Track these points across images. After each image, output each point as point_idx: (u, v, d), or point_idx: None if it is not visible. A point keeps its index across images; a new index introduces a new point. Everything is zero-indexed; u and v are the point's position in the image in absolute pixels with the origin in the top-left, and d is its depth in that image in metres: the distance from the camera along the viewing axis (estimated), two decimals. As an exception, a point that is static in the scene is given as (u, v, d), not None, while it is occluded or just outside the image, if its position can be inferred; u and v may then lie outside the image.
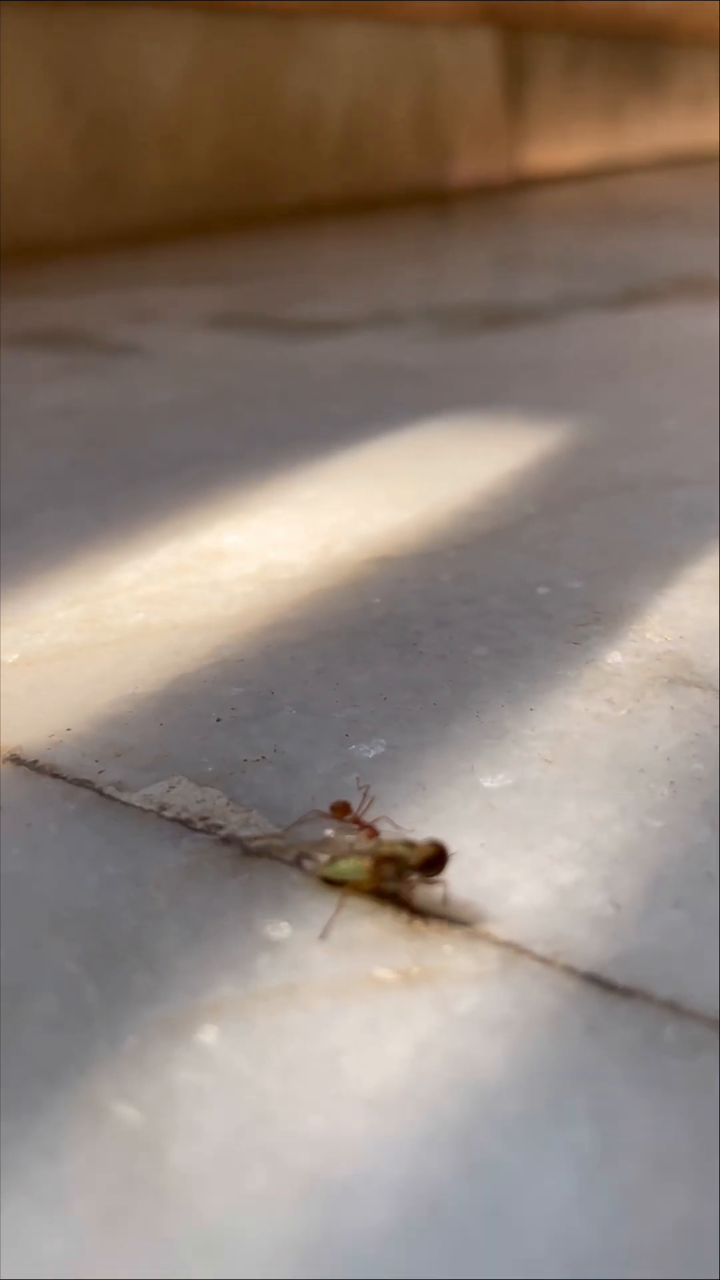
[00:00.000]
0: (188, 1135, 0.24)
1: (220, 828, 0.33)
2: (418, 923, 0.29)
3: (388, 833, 0.32)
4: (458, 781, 0.35)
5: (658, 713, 0.39)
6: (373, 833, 0.32)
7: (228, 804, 0.34)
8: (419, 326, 1.09)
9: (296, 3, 1.98)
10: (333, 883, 0.30)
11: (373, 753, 0.37)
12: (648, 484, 0.62)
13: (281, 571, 0.52)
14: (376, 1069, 0.25)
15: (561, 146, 2.78)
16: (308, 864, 0.32)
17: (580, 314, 1.12)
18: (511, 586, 0.49)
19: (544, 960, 0.28)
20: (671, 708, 0.39)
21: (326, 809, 0.34)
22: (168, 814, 0.34)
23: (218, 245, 1.74)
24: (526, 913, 0.29)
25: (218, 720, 0.39)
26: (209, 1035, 0.26)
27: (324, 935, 0.29)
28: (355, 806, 0.33)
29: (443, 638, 0.45)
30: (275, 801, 0.35)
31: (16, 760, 0.37)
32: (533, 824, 0.33)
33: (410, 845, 0.29)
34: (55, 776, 0.36)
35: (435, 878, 0.30)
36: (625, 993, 0.27)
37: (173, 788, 0.35)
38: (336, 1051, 0.25)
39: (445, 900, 0.30)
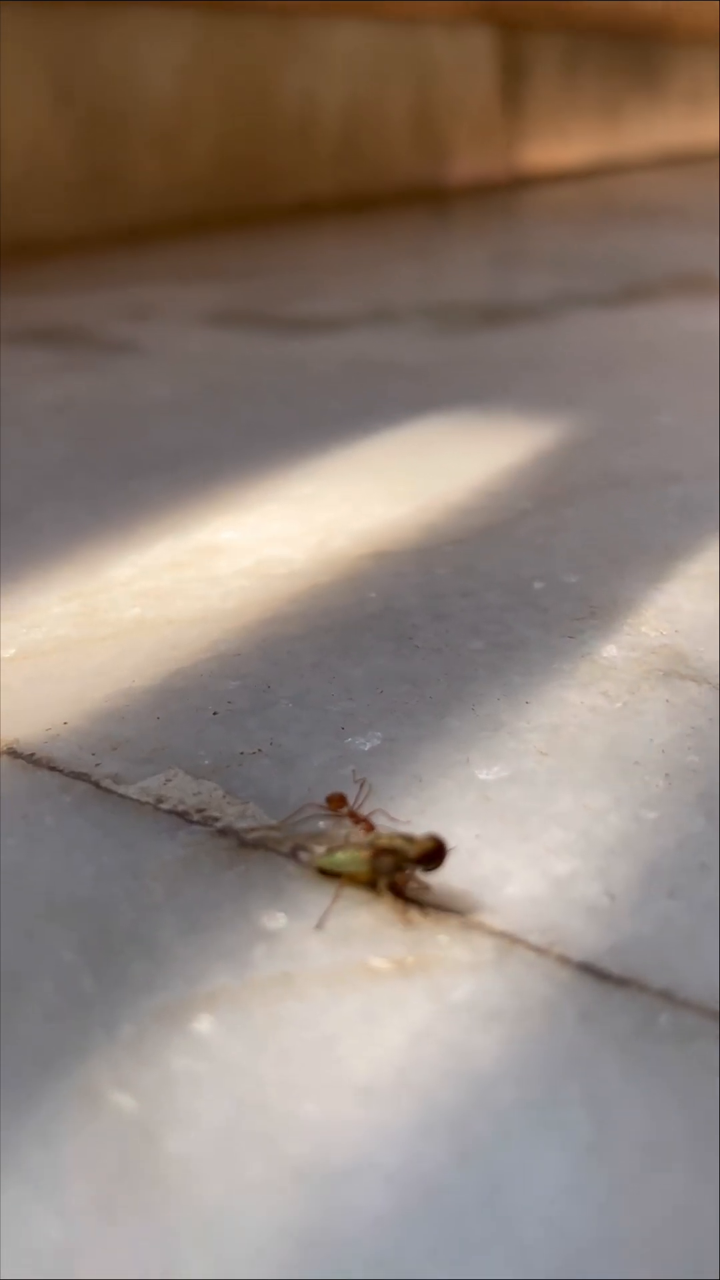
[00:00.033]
0: (184, 1122, 0.24)
1: (217, 820, 0.33)
2: (414, 913, 0.29)
3: (383, 825, 0.32)
4: (454, 773, 0.35)
5: (653, 706, 0.39)
6: (369, 826, 0.32)
7: (224, 796, 0.35)
8: (416, 324, 1.09)
9: (294, 1, 1.98)
10: (329, 874, 0.31)
11: (369, 745, 0.37)
12: (643, 479, 0.62)
13: (278, 566, 0.52)
14: (371, 1057, 0.25)
15: (559, 145, 2.78)
16: (304, 855, 0.32)
17: (577, 311, 1.12)
18: (507, 581, 0.49)
19: (539, 950, 0.28)
20: (667, 701, 0.39)
21: (323, 801, 0.34)
22: (164, 806, 0.34)
23: (215, 243, 1.74)
24: (522, 903, 0.30)
25: (214, 714, 0.39)
26: (205, 1024, 0.26)
27: (320, 925, 0.29)
28: (351, 799, 0.33)
29: (439, 631, 0.45)
30: (272, 794, 0.35)
31: (14, 753, 0.37)
32: (528, 815, 0.33)
33: (409, 839, 0.29)
34: (52, 769, 0.36)
35: (432, 872, 0.30)
36: (620, 982, 0.27)
37: (169, 780, 0.35)
38: (332, 1040, 0.26)
39: (427, 888, 0.30)
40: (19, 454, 0.71)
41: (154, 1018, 0.26)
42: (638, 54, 3.06)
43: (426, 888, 0.30)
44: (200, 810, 0.34)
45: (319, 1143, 0.23)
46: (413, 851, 0.29)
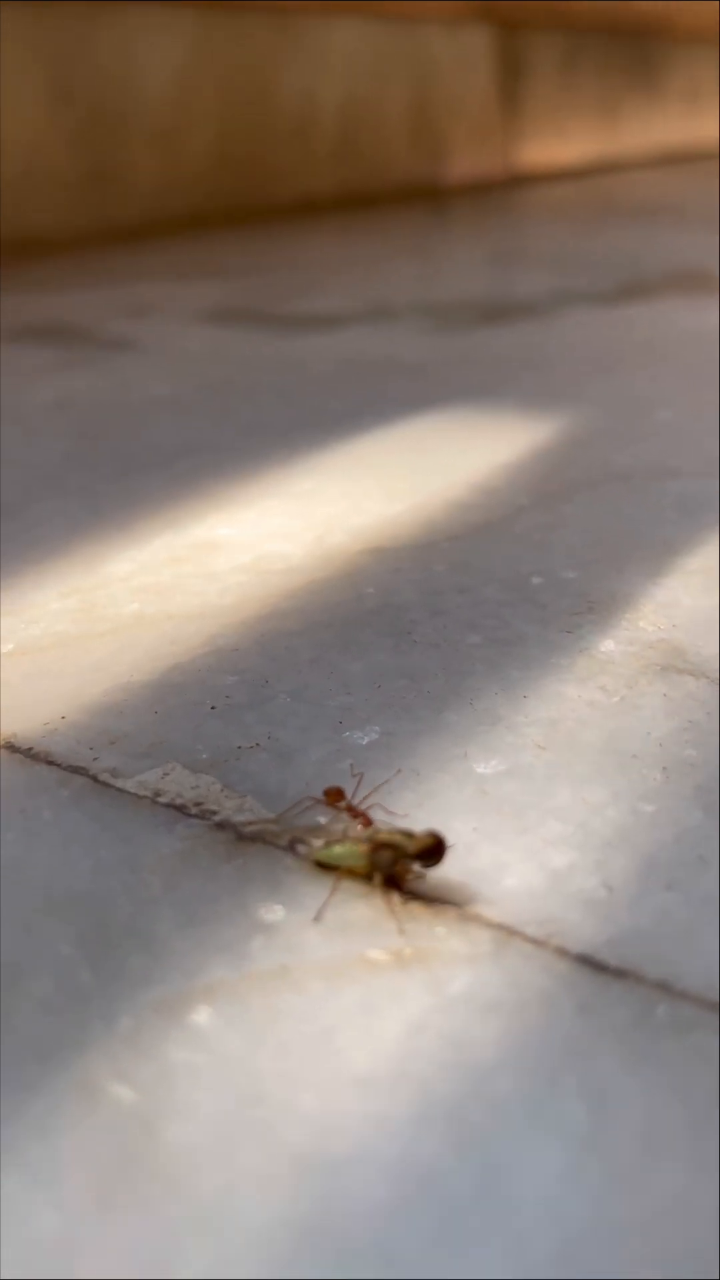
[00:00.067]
0: (182, 1114, 0.24)
1: (214, 813, 0.33)
2: (413, 905, 0.29)
3: (380, 820, 0.32)
4: (451, 767, 0.35)
5: (651, 700, 0.39)
6: (366, 820, 0.32)
7: (222, 790, 0.35)
8: (414, 322, 1.09)
9: (293, 1, 1.98)
10: (327, 868, 0.31)
11: (367, 739, 0.37)
12: (641, 475, 0.62)
13: (276, 562, 0.52)
14: (369, 1048, 0.25)
15: (557, 143, 2.78)
16: (302, 849, 0.32)
17: (575, 309, 1.12)
18: (505, 576, 0.49)
19: (536, 942, 0.28)
20: (664, 695, 0.39)
21: (320, 795, 0.34)
22: (162, 800, 0.34)
23: (214, 241, 1.74)
24: (519, 895, 0.30)
25: (212, 708, 0.39)
26: (203, 1016, 0.26)
27: (318, 918, 0.29)
28: (348, 793, 0.33)
29: (437, 627, 0.45)
30: (270, 788, 0.35)
31: (11, 748, 0.37)
32: (526, 809, 0.33)
33: (408, 835, 0.30)
34: (50, 763, 0.36)
35: (431, 868, 0.30)
36: (617, 973, 0.27)
37: (167, 774, 0.35)
38: (330, 1031, 0.26)
39: (422, 876, 0.30)
40: (18, 451, 0.71)
41: (152, 1010, 0.26)
42: (636, 53, 3.06)
43: (422, 876, 0.30)
44: (198, 804, 0.34)
45: (317, 1133, 0.23)
46: (412, 847, 0.29)
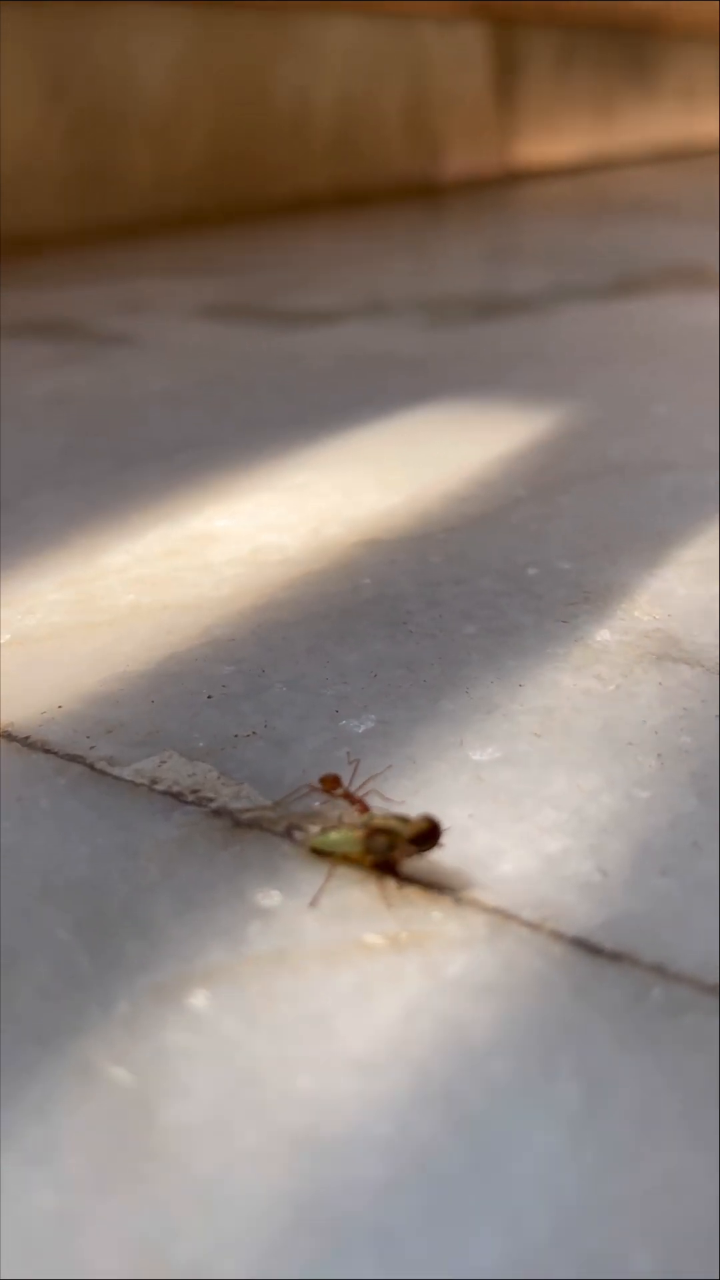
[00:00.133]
0: (179, 1096, 0.24)
1: (211, 800, 0.34)
2: (409, 890, 0.29)
3: (377, 806, 0.32)
4: (447, 755, 0.36)
5: (646, 688, 0.39)
6: (363, 806, 0.32)
7: (219, 778, 0.35)
8: (410, 317, 1.09)
9: (287, -4, 1.98)
10: (323, 853, 0.31)
11: (363, 728, 0.37)
12: (637, 468, 0.62)
13: (272, 554, 0.52)
14: (366, 1031, 0.25)
15: (552, 141, 2.78)
16: (298, 835, 0.32)
17: (571, 304, 1.12)
18: (501, 567, 0.49)
19: (532, 925, 0.28)
20: (659, 683, 0.39)
21: (317, 782, 0.34)
22: (159, 788, 0.34)
23: (210, 237, 1.74)
24: (515, 880, 0.30)
25: (209, 697, 0.39)
26: (200, 1000, 0.26)
27: (314, 903, 0.29)
28: (345, 780, 0.34)
29: (433, 617, 0.45)
30: (267, 775, 0.35)
31: (9, 736, 0.37)
32: (522, 796, 0.33)
33: (404, 820, 0.30)
34: (47, 752, 0.36)
35: (427, 852, 0.30)
36: (613, 956, 0.27)
37: (164, 762, 0.36)
38: (326, 1014, 0.26)
39: (404, 861, 0.30)
40: (15, 445, 0.71)
41: (150, 995, 0.26)
42: (631, 50, 3.06)
43: (403, 862, 0.30)
44: (195, 791, 0.34)
45: (313, 1114, 0.23)
46: (407, 832, 0.29)
